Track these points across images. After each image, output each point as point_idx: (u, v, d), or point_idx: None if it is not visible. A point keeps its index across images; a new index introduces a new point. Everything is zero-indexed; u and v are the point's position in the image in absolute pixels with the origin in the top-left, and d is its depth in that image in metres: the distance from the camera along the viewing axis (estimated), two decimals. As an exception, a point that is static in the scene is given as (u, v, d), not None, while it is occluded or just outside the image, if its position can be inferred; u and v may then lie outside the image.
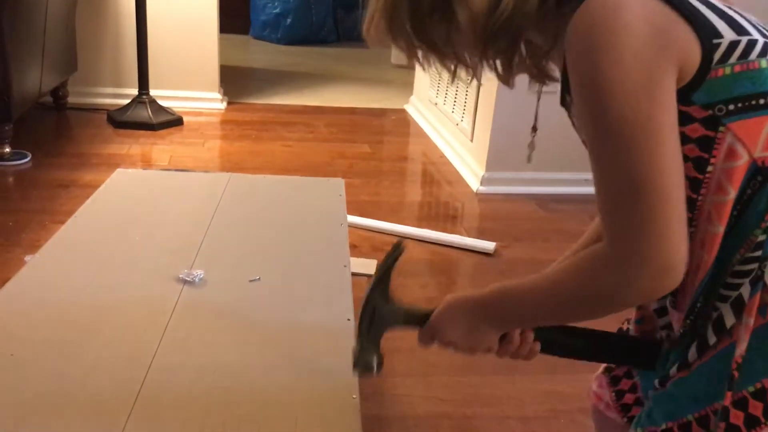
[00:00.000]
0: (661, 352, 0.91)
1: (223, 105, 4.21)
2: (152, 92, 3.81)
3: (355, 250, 2.45)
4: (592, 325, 0.95)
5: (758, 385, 0.77)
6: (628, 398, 1.03)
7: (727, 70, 0.74)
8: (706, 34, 0.73)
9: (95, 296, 1.19)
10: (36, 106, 3.60)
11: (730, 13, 0.76)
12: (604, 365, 1.07)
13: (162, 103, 3.83)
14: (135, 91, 3.79)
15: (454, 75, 0.88)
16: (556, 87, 0.89)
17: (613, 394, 1.05)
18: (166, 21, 3.93)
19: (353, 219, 2.62)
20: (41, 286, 1.21)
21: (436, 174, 3.44)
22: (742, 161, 0.75)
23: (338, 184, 1.79)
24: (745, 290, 0.78)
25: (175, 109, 3.88)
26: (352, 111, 4.40)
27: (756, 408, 0.77)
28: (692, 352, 0.83)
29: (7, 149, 3.08)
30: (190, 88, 4.11)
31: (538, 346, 0.92)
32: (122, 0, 3.88)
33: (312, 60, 5.91)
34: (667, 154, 0.71)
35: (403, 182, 3.31)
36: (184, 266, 1.29)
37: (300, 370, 1.03)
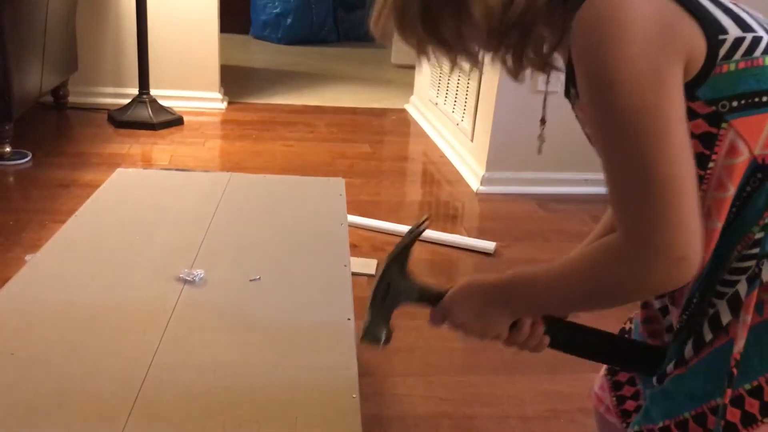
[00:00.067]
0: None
1: (224, 105, 4.21)
2: (153, 92, 3.81)
3: (356, 249, 2.45)
4: (596, 320, 0.95)
5: (755, 383, 0.77)
6: (630, 405, 1.02)
7: (732, 67, 0.74)
8: (711, 29, 0.73)
9: (95, 296, 1.19)
10: (36, 106, 3.61)
11: (736, 9, 0.77)
12: (606, 367, 1.07)
13: (162, 102, 3.83)
14: (135, 91, 3.79)
15: (453, 67, 0.88)
16: (557, 87, 0.89)
17: (614, 399, 1.05)
18: (166, 21, 3.93)
19: (353, 219, 2.63)
20: (41, 286, 1.21)
21: (437, 174, 3.44)
22: (743, 158, 0.75)
23: (338, 183, 1.79)
24: (742, 287, 0.78)
25: (175, 109, 3.88)
26: (353, 111, 4.40)
27: (753, 406, 0.77)
28: (688, 349, 0.83)
29: (8, 149, 3.08)
30: (191, 88, 4.11)
31: (547, 339, 0.92)
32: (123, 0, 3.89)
33: (312, 60, 5.91)
34: (677, 146, 0.71)
35: (403, 182, 3.31)
36: (184, 266, 1.29)
37: (300, 370, 1.03)
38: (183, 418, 0.91)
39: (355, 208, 2.73)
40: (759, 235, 0.77)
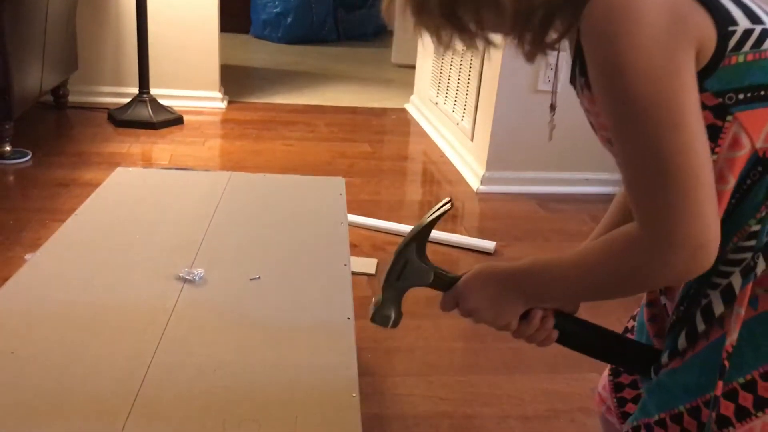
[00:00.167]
0: None
1: (224, 104, 4.21)
2: (153, 91, 3.81)
3: (356, 249, 2.45)
4: (596, 319, 0.95)
5: (748, 377, 0.78)
6: (630, 407, 1.02)
7: (740, 59, 0.74)
8: (722, 20, 0.73)
9: (95, 295, 1.19)
10: (37, 105, 3.61)
11: (746, 1, 0.77)
12: (610, 367, 1.07)
13: (162, 101, 3.83)
14: (135, 90, 3.79)
15: (468, 48, 0.86)
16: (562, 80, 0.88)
17: (615, 400, 1.05)
18: (166, 20, 3.93)
19: (353, 218, 2.63)
20: (41, 285, 1.21)
21: (437, 173, 3.44)
22: (744, 151, 0.76)
23: (338, 183, 1.79)
24: (736, 279, 0.78)
25: (175, 108, 3.88)
26: (353, 110, 4.40)
27: (746, 399, 0.77)
28: (682, 340, 0.83)
29: (8, 148, 3.08)
30: (191, 87, 4.11)
31: (555, 334, 0.91)
32: (123, -1, 3.89)
33: (312, 59, 5.91)
34: (692, 134, 0.71)
35: (403, 181, 3.31)
36: (184, 265, 1.29)
37: (300, 369, 1.03)
38: (183, 418, 0.91)
39: (355, 207, 2.74)
40: (755, 228, 0.77)
